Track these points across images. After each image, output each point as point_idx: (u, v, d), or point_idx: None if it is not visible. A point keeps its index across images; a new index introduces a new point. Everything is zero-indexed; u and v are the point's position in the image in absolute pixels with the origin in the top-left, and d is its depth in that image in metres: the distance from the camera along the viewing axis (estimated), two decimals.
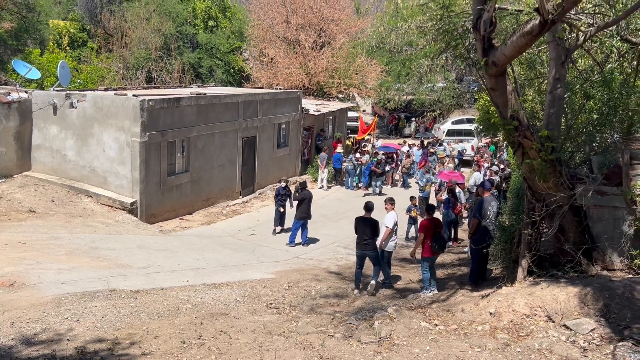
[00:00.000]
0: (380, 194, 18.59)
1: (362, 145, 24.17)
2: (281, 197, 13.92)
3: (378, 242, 9.93)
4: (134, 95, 13.72)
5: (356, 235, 9.91)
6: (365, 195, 18.41)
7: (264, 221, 15.40)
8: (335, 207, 18.33)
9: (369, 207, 9.97)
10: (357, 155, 21.50)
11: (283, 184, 14.15)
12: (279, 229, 14.22)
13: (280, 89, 22.45)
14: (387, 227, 10.02)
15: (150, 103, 13.51)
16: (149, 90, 17.44)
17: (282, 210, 13.92)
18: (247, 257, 12.25)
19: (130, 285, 8.89)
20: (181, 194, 15.14)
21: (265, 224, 15.07)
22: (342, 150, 22.14)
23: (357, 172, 20.84)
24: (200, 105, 15.39)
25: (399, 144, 26.17)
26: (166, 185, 14.51)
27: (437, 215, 13.00)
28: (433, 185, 18.18)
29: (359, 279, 9.90)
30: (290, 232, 13.36)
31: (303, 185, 13.52)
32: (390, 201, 10.30)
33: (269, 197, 18.17)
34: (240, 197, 17.58)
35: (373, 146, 24.89)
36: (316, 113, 21.84)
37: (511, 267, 8.23)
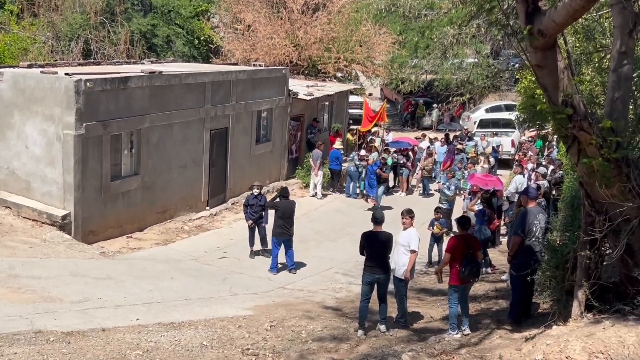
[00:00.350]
0: (375, 208, 18.49)
1: (369, 139, 24.24)
2: (252, 209, 14.12)
3: (398, 268, 10.09)
4: (66, 74, 13.67)
5: (364, 257, 10.04)
6: (373, 208, 18.46)
7: (239, 240, 15.44)
8: (333, 220, 18.48)
9: (378, 218, 10.12)
10: (362, 152, 21.60)
11: (255, 191, 14.31)
12: (257, 248, 14.41)
13: (260, 65, 22.52)
14: (413, 250, 10.11)
15: (88, 84, 13.52)
16: (87, 68, 17.45)
17: (250, 224, 14.16)
18: (216, 287, 12.28)
19: (62, 325, 8.91)
20: (129, 204, 15.17)
21: (240, 244, 15.13)
22: (342, 147, 22.34)
23: (362, 175, 20.98)
24: (155, 87, 15.44)
25: (416, 138, 26.42)
26: (109, 193, 14.56)
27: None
28: (462, 192, 18.27)
29: (365, 315, 10.00)
30: (271, 256, 13.52)
31: (283, 192, 13.74)
32: (409, 214, 10.40)
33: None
34: (208, 208, 17.65)
35: (383, 141, 24.99)
36: (308, 97, 21.80)
37: (564, 300, 8.27)
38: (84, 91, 13.45)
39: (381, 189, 19.27)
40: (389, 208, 18.12)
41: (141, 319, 9.72)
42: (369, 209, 18.63)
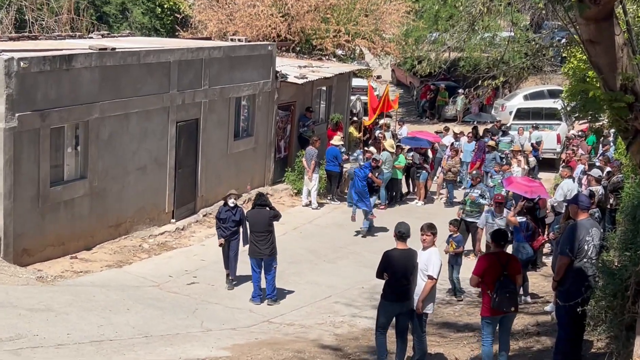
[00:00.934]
0: (368, 230, 18.33)
1: (376, 134, 24.28)
2: (224, 224, 14.24)
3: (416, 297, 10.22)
4: None
5: (385, 280, 10.20)
6: (367, 229, 18.42)
7: (212, 261, 15.42)
8: (332, 237, 18.44)
9: (403, 233, 10.21)
10: (372, 150, 21.63)
11: (231, 203, 14.35)
12: (240, 273, 14.46)
13: (239, 40, 22.45)
14: (430, 275, 10.17)
15: (22, 64, 13.50)
16: (21, 43, 17.40)
17: (220, 243, 14.28)
18: (184, 321, 12.27)
19: None
20: (74, 216, 15.17)
21: (214, 266, 15.13)
22: (342, 143, 22.31)
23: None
24: (106, 69, 15.47)
25: (436, 132, 26.51)
26: (49, 202, 14.58)
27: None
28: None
29: (385, 353, 10.20)
30: (271, 279, 13.68)
31: (258, 200, 13.91)
32: (431, 229, 10.44)
33: None
34: (173, 220, 17.69)
35: (394, 136, 25.04)
36: (300, 81, 21.74)
37: (623, 338, 8.25)
38: (17, 73, 13.44)
39: (373, 199, 19.25)
40: (384, 230, 17.94)
41: None
42: (359, 232, 18.55)
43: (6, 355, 9.46)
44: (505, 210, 14.96)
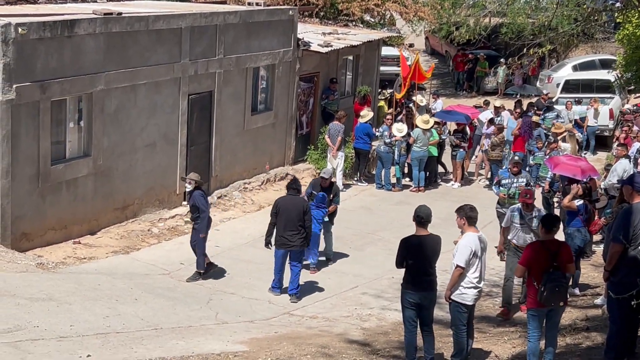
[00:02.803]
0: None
1: (405, 106, 24.15)
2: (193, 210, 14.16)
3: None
4: None
5: (404, 269, 10.25)
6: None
7: (228, 247, 15.63)
8: (359, 222, 18.48)
9: (422, 217, 10.24)
10: (399, 127, 21.51)
11: (187, 187, 14.32)
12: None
13: (258, 4, 22.26)
14: (456, 265, 10.15)
15: (20, 30, 13.53)
16: (19, 7, 17.48)
17: (202, 236, 14.10)
18: (197, 312, 12.33)
19: None
20: (76, 197, 15.26)
21: (230, 253, 15.34)
22: (371, 117, 22.13)
23: (397, 156, 21.48)
24: (112, 35, 15.52)
25: (475, 107, 26.33)
26: (50, 182, 14.66)
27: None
28: (542, 183, 18.19)
29: (414, 348, 10.21)
30: (294, 278, 13.65)
31: (292, 184, 13.86)
32: (466, 212, 10.31)
33: (236, 204, 18.43)
34: (185, 203, 17.58)
35: (428, 110, 24.92)
36: (324, 50, 21.73)
37: None
38: (14, 40, 13.46)
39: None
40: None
41: (94, 355, 9.65)
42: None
43: (4, 348, 9.48)
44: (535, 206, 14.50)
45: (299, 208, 13.38)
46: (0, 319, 10.52)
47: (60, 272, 13.24)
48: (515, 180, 15.98)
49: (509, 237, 13.18)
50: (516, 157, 17.89)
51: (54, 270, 13.28)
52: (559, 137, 21.83)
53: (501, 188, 16.11)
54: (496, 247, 13.90)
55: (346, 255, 16.15)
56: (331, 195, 15.17)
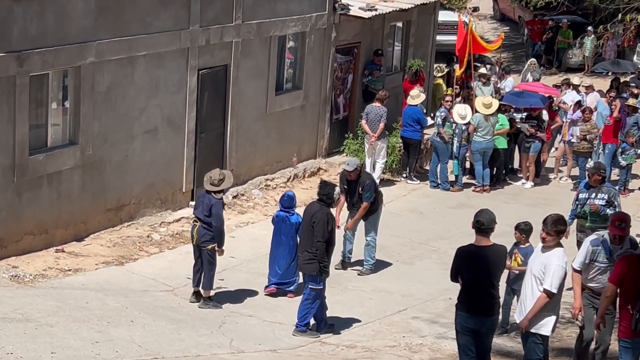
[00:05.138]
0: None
1: (466, 85, 24.57)
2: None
3: (523, 311, 10.23)
4: None
5: (459, 284, 10.32)
6: None
7: (245, 259, 15.61)
8: (408, 228, 18.46)
9: (483, 223, 10.18)
10: (460, 111, 21.27)
11: (210, 187, 13.87)
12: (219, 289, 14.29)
13: None
14: (545, 289, 9.97)
15: None
16: None
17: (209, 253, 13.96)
18: (206, 339, 12.39)
19: None
20: (60, 194, 15.21)
21: (248, 266, 15.31)
22: (423, 99, 21.89)
23: (457, 148, 21.22)
24: None
25: (555, 86, 26.25)
26: (27, 175, 14.68)
27: None
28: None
29: None
30: (300, 302, 13.36)
31: (325, 190, 13.40)
32: (556, 224, 10.15)
33: (256, 205, 18.22)
34: (192, 203, 17.34)
35: (497, 92, 24.97)
36: (367, 14, 21.41)
37: None
38: None
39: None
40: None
41: None
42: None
43: None
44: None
45: (307, 218, 13.20)
46: None
47: (39, 287, 13.43)
48: (593, 194, 14.76)
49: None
50: (590, 164, 16.88)
51: (32, 285, 13.48)
52: None
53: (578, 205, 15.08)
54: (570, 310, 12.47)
55: (392, 271, 16.02)
56: (360, 190, 15.08)
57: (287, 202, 14.51)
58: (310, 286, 13.00)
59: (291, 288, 14.39)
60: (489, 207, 10.47)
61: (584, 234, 14.31)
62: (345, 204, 15.46)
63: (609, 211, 14.48)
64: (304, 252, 13.13)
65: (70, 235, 15.33)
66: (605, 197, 14.65)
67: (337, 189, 13.58)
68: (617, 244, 11.28)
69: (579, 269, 11.30)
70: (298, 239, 13.75)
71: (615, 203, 14.72)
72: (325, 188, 13.47)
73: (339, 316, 13.61)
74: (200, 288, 13.76)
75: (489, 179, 21.31)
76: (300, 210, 14.29)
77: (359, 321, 13.68)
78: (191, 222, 14.13)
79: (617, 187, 16.14)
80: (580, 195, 14.93)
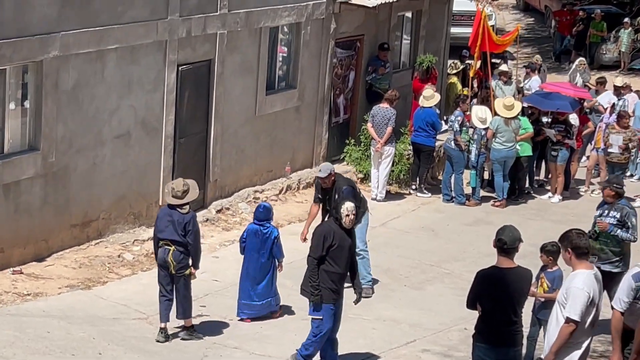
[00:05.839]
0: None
1: (483, 85, 24.72)
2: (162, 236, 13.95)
3: (548, 342, 10.18)
4: None
5: (478, 312, 10.26)
6: None
7: (230, 282, 15.38)
8: (418, 249, 18.46)
9: (506, 242, 10.13)
10: (479, 113, 20.88)
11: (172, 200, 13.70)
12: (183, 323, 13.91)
13: None
14: (568, 318, 9.79)
15: None
16: None
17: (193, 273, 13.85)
18: None
19: None
20: (17, 207, 15.27)
21: (233, 290, 14.91)
22: (437, 100, 21.81)
23: (474, 156, 20.85)
24: None
25: (586, 86, 26.22)
26: None
27: None
28: None
29: None
30: (307, 336, 12.92)
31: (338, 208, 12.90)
32: (572, 242, 10.03)
33: (243, 220, 18.05)
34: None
35: (519, 92, 24.91)
36: (371, 3, 21.20)
37: None
38: None
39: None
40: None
41: None
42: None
43: None
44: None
45: (344, 243, 12.75)
46: None
47: None
48: (606, 211, 14.40)
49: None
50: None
51: None
52: None
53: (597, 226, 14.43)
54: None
55: (399, 296, 15.84)
56: (337, 198, 14.60)
57: (263, 213, 14.23)
58: (309, 315, 12.87)
59: (274, 309, 14.37)
60: (511, 224, 10.36)
61: (595, 257, 13.78)
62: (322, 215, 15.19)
63: (620, 232, 14.16)
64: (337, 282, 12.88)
65: (29, 255, 15.23)
66: (617, 215, 14.24)
67: (348, 203, 13.03)
68: None
69: (621, 310, 10.68)
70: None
71: (629, 224, 14.29)
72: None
73: (342, 348, 13.25)
74: (179, 317, 13.49)
75: (506, 192, 21.10)
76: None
77: (361, 355, 13.38)
78: (161, 246, 13.64)
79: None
80: (596, 212, 14.70)
